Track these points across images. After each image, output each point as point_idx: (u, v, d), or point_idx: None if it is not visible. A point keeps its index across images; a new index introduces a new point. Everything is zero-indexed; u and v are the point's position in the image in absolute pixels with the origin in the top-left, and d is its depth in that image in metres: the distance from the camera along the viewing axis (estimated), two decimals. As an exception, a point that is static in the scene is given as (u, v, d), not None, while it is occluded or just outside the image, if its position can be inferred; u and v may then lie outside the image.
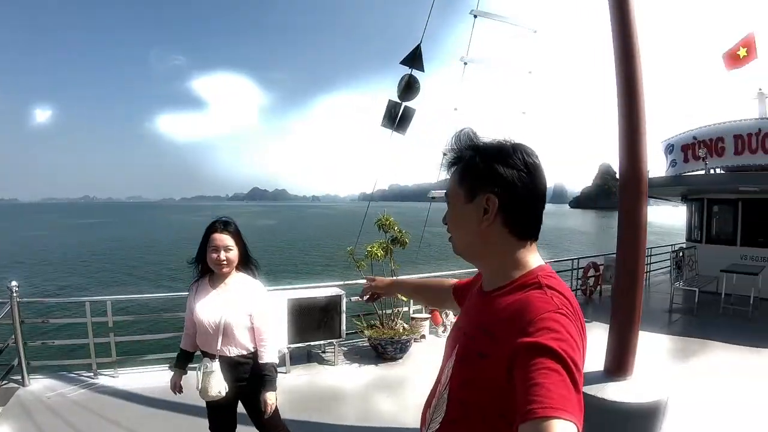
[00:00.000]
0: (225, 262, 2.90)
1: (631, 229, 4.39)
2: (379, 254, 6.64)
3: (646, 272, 13.09)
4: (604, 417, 4.08)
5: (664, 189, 12.35)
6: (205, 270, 3.03)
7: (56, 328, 10.06)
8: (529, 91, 7.09)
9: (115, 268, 30.38)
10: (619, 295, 4.49)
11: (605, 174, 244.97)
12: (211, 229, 2.95)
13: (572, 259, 11.39)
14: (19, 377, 5.40)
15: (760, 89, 11.74)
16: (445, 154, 1.38)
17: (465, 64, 6.19)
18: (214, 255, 2.89)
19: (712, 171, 11.83)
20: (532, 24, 6.54)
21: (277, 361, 2.94)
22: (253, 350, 2.96)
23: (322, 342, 6.39)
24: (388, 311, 6.93)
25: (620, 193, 4.50)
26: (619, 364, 4.32)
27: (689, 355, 6.92)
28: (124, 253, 38.06)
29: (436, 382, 1.38)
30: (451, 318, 7.80)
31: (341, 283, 7.00)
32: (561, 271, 11.27)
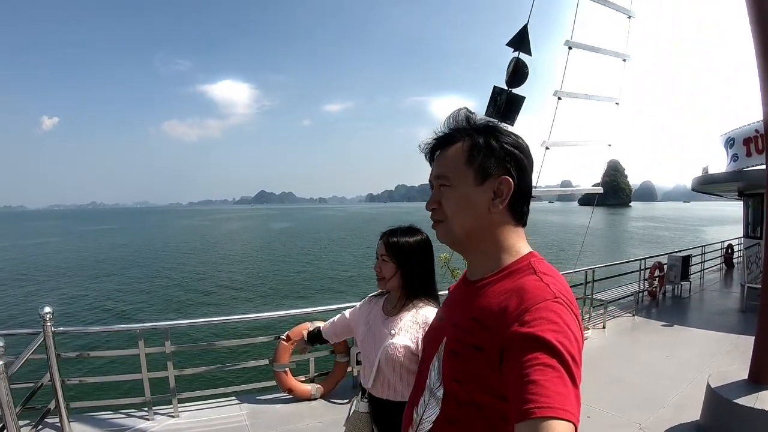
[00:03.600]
0: (378, 274, 2.33)
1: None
2: None
3: (700, 270, 13.36)
4: (756, 426, 3.96)
5: (729, 184, 12.18)
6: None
7: (98, 362, 9.09)
8: (623, 79, 6.59)
9: (142, 279, 27.74)
10: (762, 298, 4.37)
11: (613, 170, 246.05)
12: (382, 234, 2.41)
13: (639, 260, 11.16)
14: (57, 421, 4.49)
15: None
16: (437, 132, 1.27)
17: (570, 48, 5.77)
18: (375, 265, 2.37)
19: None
20: (628, 8, 6.25)
21: None
22: None
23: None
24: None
25: (766, 195, 4.51)
26: (759, 372, 4.28)
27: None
28: (150, 265, 34.62)
29: (418, 379, 1.34)
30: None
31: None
32: (629, 272, 11.54)
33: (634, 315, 9.53)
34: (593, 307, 9.10)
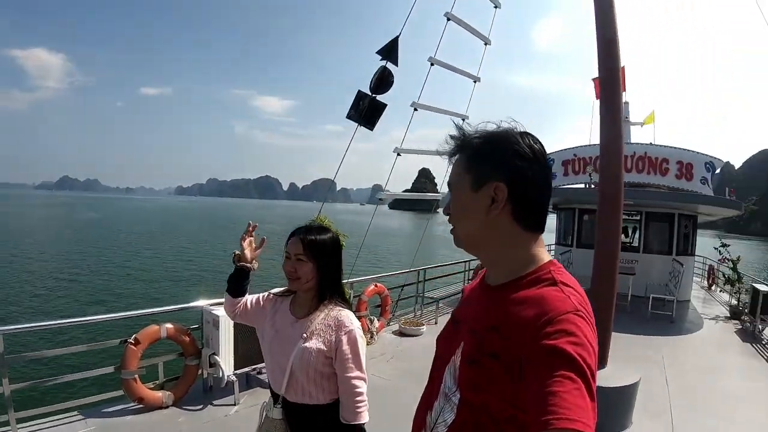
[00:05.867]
0: (293, 275, 2.19)
1: (608, 239, 4.97)
2: None
3: None
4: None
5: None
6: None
7: None
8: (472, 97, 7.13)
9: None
10: (596, 297, 4.82)
11: (423, 178, 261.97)
12: (292, 232, 2.26)
13: (464, 261, 12.07)
14: None
15: (625, 117, 13.47)
16: (448, 141, 1.28)
17: (432, 64, 6.07)
18: (285, 264, 2.22)
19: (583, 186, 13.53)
20: (486, 35, 6.79)
21: (366, 420, 2.18)
22: (330, 402, 2.21)
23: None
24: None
25: (599, 209, 5.08)
26: (599, 355, 4.78)
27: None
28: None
29: (432, 382, 1.33)
30: (375, 325, 7.71)
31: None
32: (454, 273, 12.26)
33: None
34: (425, 305, 9.68)
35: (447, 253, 37.46)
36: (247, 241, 2.35)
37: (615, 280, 4.90)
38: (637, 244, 13.20)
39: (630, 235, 14.16)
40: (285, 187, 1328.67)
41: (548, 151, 1.28)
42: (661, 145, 13.37)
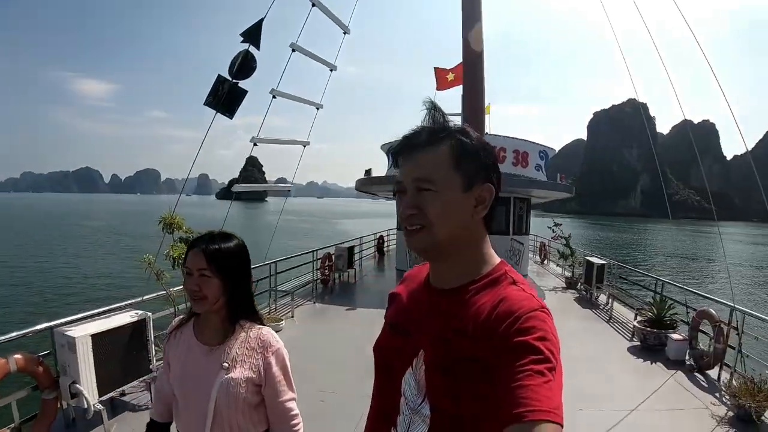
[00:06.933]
0: (197, 294, 1.82)
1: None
2: None
3: (359, 258, 15.56)
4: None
5: (388, 186, 14.24)
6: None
7: None
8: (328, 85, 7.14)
9: None
10: None
11: (250, 165, 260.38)
12: (191, 243, 1.90)
13: (312, 251, 12.28)
14: None
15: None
16: (423, 130, 1.18)
17: (293, 51, 5.94)
18: (187, 282, 1.85)
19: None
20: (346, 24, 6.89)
21: None
22: None
23: (131, 384, 5.02)
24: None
25: None
26: None
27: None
28: None
29: (382, 395, 1.28)
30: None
31: (137, 300, 5.63)
32: (303, 264, 12.28)
33: (315, 302, 10.43)
34: (278, 298, 9.60)
35: (284, 242, 37.51)
36: None
37: None
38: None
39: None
40: (107, 179, 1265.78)
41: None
42: (497, 135, 14.40)
